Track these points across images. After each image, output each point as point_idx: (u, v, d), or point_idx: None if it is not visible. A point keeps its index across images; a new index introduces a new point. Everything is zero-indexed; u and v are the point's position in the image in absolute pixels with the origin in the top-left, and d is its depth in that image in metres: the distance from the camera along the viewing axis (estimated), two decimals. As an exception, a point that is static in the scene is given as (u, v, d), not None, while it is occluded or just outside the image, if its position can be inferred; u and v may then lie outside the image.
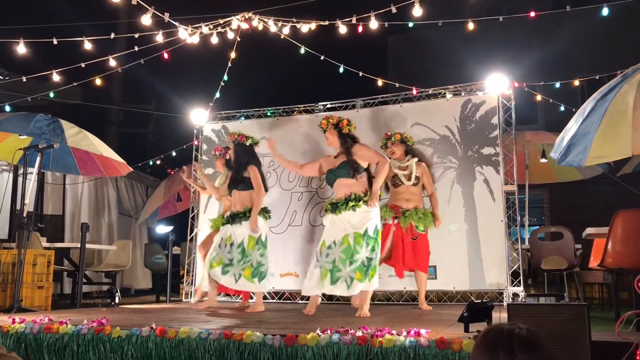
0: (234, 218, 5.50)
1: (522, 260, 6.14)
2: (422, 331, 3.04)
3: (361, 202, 4.74)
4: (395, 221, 5.52)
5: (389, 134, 5.87)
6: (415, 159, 5.72)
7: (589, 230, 5.30)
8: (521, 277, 6.04)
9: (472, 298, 6.07)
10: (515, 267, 6.11)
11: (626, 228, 4.74)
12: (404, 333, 3.02)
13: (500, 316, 4.17)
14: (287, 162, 5.51)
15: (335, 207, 4.82)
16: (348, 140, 4.98)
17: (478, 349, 1.61)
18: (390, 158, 5.60)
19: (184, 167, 9.07)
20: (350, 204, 4.73)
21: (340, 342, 2.97)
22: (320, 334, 3.07)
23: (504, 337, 1.58)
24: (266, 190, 5.68)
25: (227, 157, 6.23)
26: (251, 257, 5.43)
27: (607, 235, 4.80)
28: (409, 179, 5.62)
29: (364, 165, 4.92)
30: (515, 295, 5.93)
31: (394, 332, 3.04)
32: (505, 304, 5.57)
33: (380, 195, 4.89)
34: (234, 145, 5.67)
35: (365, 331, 3.11)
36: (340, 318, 4.43)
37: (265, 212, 5.63)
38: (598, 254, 5.58)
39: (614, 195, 8.83)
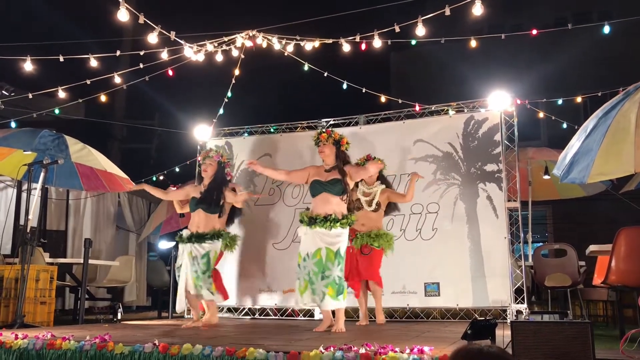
0: (200, 238, 5.45)
1: (525, 277, 6.12)
2: (426, 348, 3.03)
3: (338, 224, 4.84)
4: (351, 243, 5.59)
5: (372, 157, 5.92)
6: (382, 187, 5.83)
7: (592, 247, 5.29)
8: (525, 294, 6.01)
9: (476, 315, 6.04)
10: (518, 284, 6.09)
11: (630, 245, 4.73)
12: (407, 350, 3.01)
13: (503, 333, 4.15)
14: (273, 172, 5.65)
15: (312, 222, 4.88)
16: (341, 159, 5.09)
17: None
18: (362, 180, 5.73)
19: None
20: (328, 223, 4.82)
21: (344, 359, 2.96)
22: (323, 350, 3.05)
23: (474, 355, 1.56)
24: (238, 215, 6.21)
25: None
26: (212, 270, 5.48)
27: (611, 253, 4.79)
28: (370, 205, 5.75)
29: (351, 186, 5.07)
30: (519, 312, 5.87)
31: (397, 349, 3.02)
32: (508, 321, 5.54)
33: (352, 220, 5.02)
34: (218, 165, 5.68)
35: (368, 348, 3.10)
36: (344, 335, 4.42)
37: (230, 238, 5.83)
38: (602, 271, 5.56)
39: (617, 212, 8.81)
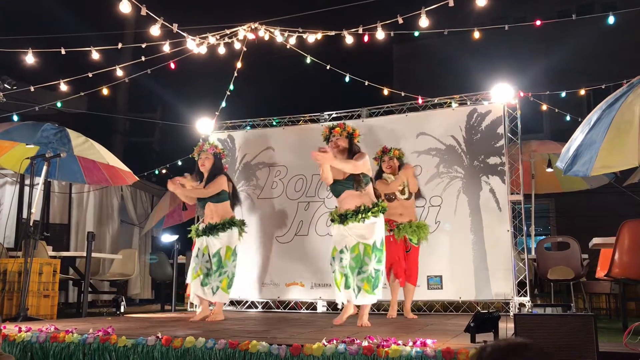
0: (212, 230, 5.46)
1: (528, 270, 6.11)
2: (429, 341, 3.03)
3: (370, 214, 4.69)
4: (390, 233, 5.55)
5: (387, 148, 5.88)
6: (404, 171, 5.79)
7: (596, 240, 5.28)
8: (527, 287, 6.01)
9: (479, 308, 6.05)
10: (521, 277, 6.09)
11: (633, 238, 4.72)
12: (410, 343, 3.01)
13: (506, 326, 4.15)
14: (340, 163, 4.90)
15: (344, 218, 4.74)
16: (354, 153, 4.95)
17: None
18: (384, 172, 5.70)
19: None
20: (360, 215, 4.68)
21: (346, 352, 2.96)
22: (326, 343, 3.06)
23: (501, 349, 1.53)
24: (238, 203, 5.92)
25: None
26: (227, 268, 5.44)
27: (614, 245, 4.78)
28: (403, 193, 5.70)
29: (369, 174, 4.90)
30: (522, 305, 5.90)
31: (400, 342, 3.03)
32: (511, 314, 5.55)
33: (384, 207, 4.89)
34: (214, 158, 5.66)
35: (371, 341, 3.11)
36: (347, 328, 4.42)
37: (242, 225, 5.67)
38: (605, 264, 5.56)
39: (620, 205, 8.80)
